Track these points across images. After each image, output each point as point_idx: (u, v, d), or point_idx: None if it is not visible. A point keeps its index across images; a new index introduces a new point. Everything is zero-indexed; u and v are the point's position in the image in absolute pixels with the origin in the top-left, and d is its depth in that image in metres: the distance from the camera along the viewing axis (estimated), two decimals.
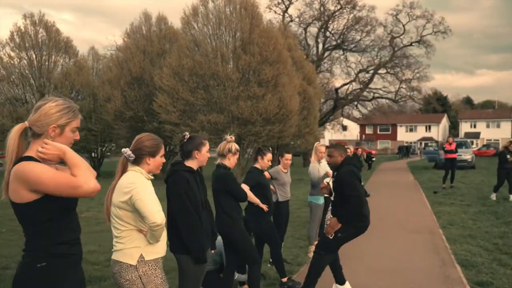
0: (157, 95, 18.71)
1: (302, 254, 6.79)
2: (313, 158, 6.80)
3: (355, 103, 38.95)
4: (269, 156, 5.42)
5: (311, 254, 6.56)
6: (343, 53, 38.52)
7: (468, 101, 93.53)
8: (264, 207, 5.17)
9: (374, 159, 28.38)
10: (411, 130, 70.47)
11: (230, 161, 4.58)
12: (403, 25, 36.99)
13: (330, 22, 37.13)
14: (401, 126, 71.03)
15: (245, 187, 5.16)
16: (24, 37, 23.50)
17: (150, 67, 21.58)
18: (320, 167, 6.83)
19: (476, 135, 62.55)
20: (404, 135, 69.85)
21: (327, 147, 5.07)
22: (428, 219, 9.44)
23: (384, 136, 71.19)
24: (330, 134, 64.18)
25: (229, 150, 4.54)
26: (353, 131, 69.33)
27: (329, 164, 4.84)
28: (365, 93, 38.42)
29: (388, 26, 37.48)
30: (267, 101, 18.07)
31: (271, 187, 6.10)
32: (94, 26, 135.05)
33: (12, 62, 23.69)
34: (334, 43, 37.90)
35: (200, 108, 18.07)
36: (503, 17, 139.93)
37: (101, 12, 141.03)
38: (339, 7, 36.31)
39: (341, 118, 44.49)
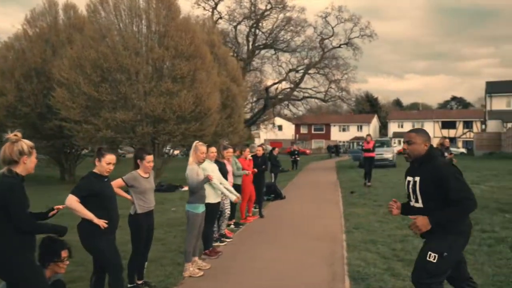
0: (55, 89, 16.68)
1: (176, 273, 5.64)
2: (191, 160, 5.69)
3: (286, 102, 38.67)
4: (108, 158, 4.23)
5: (186, 273, 5.49)
6: (275, 53, 38.17)
7: (397, 103, 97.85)
8: (101, 222, 3.97)
9: (298, 158, 27.81)
10: (344, 129, 72.18)
11: (26, 166, 3.35)
12: (332, 28, 37.40)
13: (260, 21, 36.57)
14: (334, 126, 72.62)
15: (71, 198, 3.95)
16: None
17: (53, 58, 19.39)
18: (200, 170, 5.74)
19: (403, 135, 65.11)
20: (337, 135, 71.40)
21: (409, 132, 3.59)
22: (336, 223, 8.68)
23: (318, 136, 72.34)
24: (264, 134, 64.24)
25: (21, 153, 3.30)
26: (287, 130, 69.79)
27: (407, 154, 3.55)
28: (295, 93, 38.28)
29: (318, 27, 37.77)
30: (182, 97, 16.74)
31: (128, 197, 4.96)
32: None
33: None
34: (264, 42, 37.41)
35: (105, 104, 16.33)
36: (429, 27, 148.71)
37: None
38: (269, 6, 35.90)
39: (274, 118, 44.16)
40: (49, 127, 19.63)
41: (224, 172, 7.13)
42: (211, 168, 6.27)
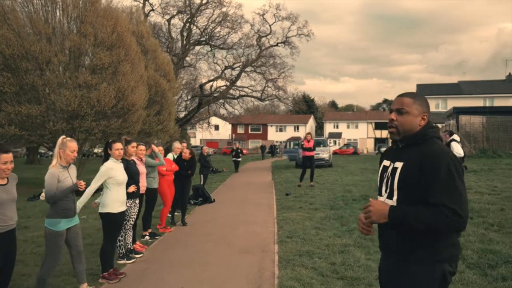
0: None
1: None
2: (54, 161, 4.29)
3: (222, 101, 37.46)
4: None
5: None
6: (211, 49, 36.84)
7: (333, 104, 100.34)
8: None
9: (240, 159, 24.08)
10: (280, 130, 72.29)
11: None
12: (270, 25, 36.74)
13: (196, 16, 35.07)
14: (271, 126, 72.56)
15: None
16: None
17: None
18: (65, 174, 4.33)
19: (339, 135, 66.58)
20: (274, 135, 71.35)
21: (401, 95, 2.32)
22: (267, 231, 7.61)
23: (255, 136, 71.92)
24: (200, 134, 62.62)
25: None
26: (224, 130, 68.65)
27: (394, 128, 2.28)
28: (232, 91, 37.20)
29: (255, 25, 37.14)
30: (102, 91, 14.96)
31: None
32: None
33: None
34: (200, 38, 35.95)
35: (7, 96, 14.15)
36: (363, 33, 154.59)
37: None
38: (205, 1, 34.50)
39: (210, 117, 42.74)
40: None
41: (132, 173, 5.81)
42: (116, 168, 5.12)
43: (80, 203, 4.76)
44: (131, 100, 16.00)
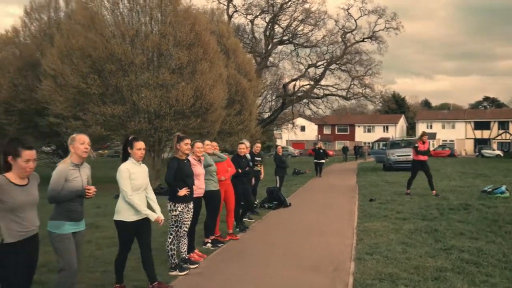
0: (43, 81, 15.19)
1: None
2: (67, 158, 3.85)
3: (305, 100, 36.46)
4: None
5: None
6: (294, 48, 36.04)
7: (426, 103, 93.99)
8: None
9: (323, 160, 20.50)
10: (369, 130, 69.27)
11: None
12: (355, 20, 35.03)
13: (279, 15, 34.53)
14: (359, 126, 69.87)
15: None
16: None
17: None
18: (74, 174, 3.82)
19: (433, 136, 61.74)
20: (362, 136, 68.53)
21: None
22: (344, 244, 6.58)
23: (342, 137, 69.68)
24: (286, 135, 62.07)
25: None
26: (310, 131, 67.38)
27: None
28: (316, 90, 36.06)
29: (340, 21, 35.52)
30: (180, 90, 14.93)
31: None
32: None
33: None
34: (282, 37, 35.34)
35: (94, 97, 14.67)
36: (458, 27, 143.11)
37: None
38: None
39: (295, 117, 41.83)
40: (44, 124, 18.22)
41: (184, 174, 5.19)
42: (135, 170, 4.42)
43: (146, 211, 4.36)
44: (209, 99, 15.79)
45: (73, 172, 3.73)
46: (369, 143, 62.00)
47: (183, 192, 5.08)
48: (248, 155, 8.98)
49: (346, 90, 35.59)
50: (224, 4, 34.40)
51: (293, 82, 35.88)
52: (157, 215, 4.41)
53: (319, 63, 35.64)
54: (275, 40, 35.46)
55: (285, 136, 67.22)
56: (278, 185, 11.93)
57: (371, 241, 6.59)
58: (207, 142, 6.75)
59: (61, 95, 14.66)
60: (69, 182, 3.67)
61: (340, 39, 35.24)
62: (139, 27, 15.77)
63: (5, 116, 18.86)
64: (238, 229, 7.77)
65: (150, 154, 16.58)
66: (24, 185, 3.21)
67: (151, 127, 15.39)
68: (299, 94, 35.48)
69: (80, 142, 3.77)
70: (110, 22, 15.67)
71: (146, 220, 4.45)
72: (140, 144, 4.43)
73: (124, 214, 4.34)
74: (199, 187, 5.81)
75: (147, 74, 15.11)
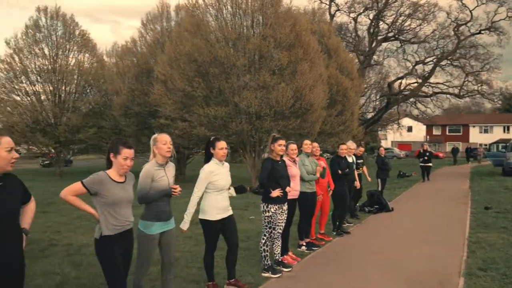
0: (154, 86, 16.43)
1: None
2: (151, 157, 3.95)
3: (412, 99, 34.35)
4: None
5: None
6: (401, 45, 34.16)
7: None
8: None
9: (430, 164, 18.72)
10: (485, 131, 62.93)
11: None
12: (470, 11, 32.00)
13: (383, 11, 33.03)
14: (474, 126, 63.82)
15: None
16: (39, 30, 22.61)
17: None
18: (160, 173, 3.91)
19: None
20: (477, 137, 62.46)
21: None
22: (452, 256, 5.98)
23: (454, 138, 64.13)
24: (392, 136, 59.19)
25: None
26: (418, 132, 63.42)
27: None
28: (424, 88, 33.75)
29: (452, 13, 32.77)
30: (280, 91, 15.02)
31: (92, 211, 3.44)
32: None
33: (27, 57, 23.00)
34: (387, 33, 33.72)
35: (198, 100, 15.42)
36: None
37: None
38: None
39: (401, 117, 39.65)
40: (157, 125, 19.71)
41: (278, 175, 5.13)
42: (218, 171, 4.45)
43: (188, 215, 4.32)
44: (309, 99, 15.64)
45: (158, 172, 3.82)
46: (485, 144, 56.28)
47: (276, 193, 5.03)
48: (353, 157, 8.71)
49: (459, 88, 32.80)
50: (326, 4, 33.98)
51: (399, 81, 34.09)
52: (187, 226, 4.33)
53: (428, 59, 33.38)
54: (379, 37, 34.01)
55: (390, 137, 64.16)
56: (379, 188, 11.36)
57: (486, 255, 5.89)
58: (306, 142, 6.64)
59: (169, 98, 15.70)
60: (155, 182, 3.77)
61: (452, 33, 32.57)
62: (241, 31, 16.22)
63: (124, 118, 20.80)
64: (334, 233, 7.53)
65: (251, 154, 16.96)
66: (122, 182, 3.40)
67: (252, 128, 15.72)
68: (406, 93, 33.56)
69: (162, 143, 3.84)
70: (214, 27, 16.32)
71: (231, 218, 4.50)
72: (222, 144, 4.46)
73: (209, 213, 4.42)
74: (294, 189, 5.72)
75: (248, 76, 15.45)
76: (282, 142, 5.26)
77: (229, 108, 15.50)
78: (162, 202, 3.81)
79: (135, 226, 3.57)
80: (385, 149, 14.70)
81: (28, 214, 2.89)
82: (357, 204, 9.89)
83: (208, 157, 4.51)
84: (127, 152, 3.36)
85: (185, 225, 4.31)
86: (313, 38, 17.53)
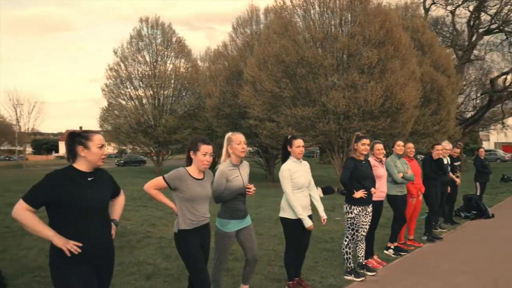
0: (243, 87, 16.98)
1: None
2: (223, 158, 4.07)
3: None
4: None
5: None
6: (506, 37, 31.15)
7: None
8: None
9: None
10: None
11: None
12: None
13: (485, 1, 30.37)
14: None
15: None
16: (141, 39, 24.58)
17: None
18: (234, 173, 4.03)
19: None
20: None
21: None
22: None
23: None
24: (495, 136, 54.19)
25: None
26: None
27: None
28: None
29: None
30: (369, 90, 14.62)
31: (171, 204, 3.62)
32: None
33: (131, 64, 25.17)
34: (490, 25, 30.93)
35: (286, 100, 15.58)
36: None
37: None
38: None
39: (506, 116, 36.14)
40: (246, 126, 20.33)
41: (361, 176, 5.04)
42: (296, 169, 4.46)
43: (301, 214, 4.38)
44: (399, 98, 15.01)
45: (233, 172, 3.93)
46: None
47: (359, 194, 4.95)
48: (447, 158, 8.25)
49: None
50: None
51: (504, 76, 31.09)
52: (310, 223, 4.43)
53: None
54: (480, 30, 31.34)
55: (493, 138, 58.87)
56: (478, 193, 10.53)
57: None
58: (399, 142, 6.42)
59: (258, 99, 16.10)
60: (230, 182, 3.88)
61: None
62: (328, 30, 16.09)
63: (216, 120, 21.76)
64: (425, 238, 7.18)
65: (339, 155, 16.74)
66: (200, 179, 3.56)
67: (339, 128, 15.52)
68: (511, 89, 30.55)
69: (237, 142, 3.91)
70: (302, 28, 16.40)
71: (310, 218, 4.53)
72: (299, 142, 4.47)
73: (288, 211, 4.46)
74: (380, 190, 5.57)
75: (336, 76, 15.28)
76: (366, 141, 5.15)
77: (317, 108, 15.46)
78: (238, 201, 3.94)
79: (212, 221, 3.74)
80: (486, 150, 13.65)
81: (118, 206, 3.13)
82: (453, 209, 9.29)
83: (285, 156, 4.56)
84: (206, 148, 3.50)
85: (308, 222, 4.39)
86: (405, 34, 16.78)
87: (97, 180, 2.77)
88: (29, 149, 75.81)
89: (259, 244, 6.61)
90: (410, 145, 6.75)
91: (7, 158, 69.38)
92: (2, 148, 72.21)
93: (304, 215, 4.39)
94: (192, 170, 3.54)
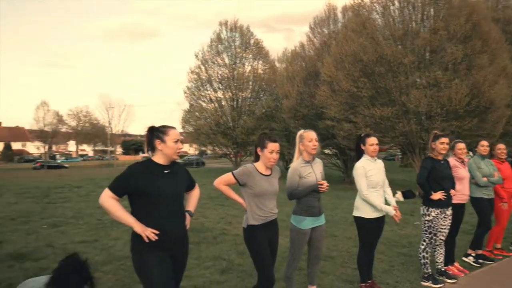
0: (320, 88, 16.86)
1: None
2: (296, 155, 4.12)
3: None
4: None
5: None
6: None
7: None
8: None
9: None
10: None
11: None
12: None
13: None
14: None
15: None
16: (220, 42, 25.47)
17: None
18: (307, 170, 4.03)
19: None
20: None
21: None
22: None
23: None
24: None
25: None
26: None
27: None
28: None
29: None
30: (453, 88, 13.77)
31: (240, 200, 3.73)
32: None
33: (211, 66, 26.19)
34: None
35: (363, 100, 15.18)
36: None
37: None
38: None
39: None
40: (322, 127, 20.18)
41: (439, 176, 4.80)
42: (370, 167, 4.36)
43: (384, 208, 4.28)
44: (488, 96, 13.97)
45: (305, 168, 3.95)
46: None
47: (437, 195, 4.73)
48: None
49: None
50: None
51: None
52: (394, 211, 4.27)
53: None
54: None
55: None
56: None
57: None
58: (483, 142, 6.03)
59: (334, 100, 15.91)
60: (303, 178, 3.91)
61: None
62: (409, 27, 15.43)
63: (293, 121, 21.83)
64: None
65: (420, 157, 15.97)
66: (268, 175, 3.64)
67: (421, 129, 14.82)
68: None
69: (308, 140, 3.95)
70: (380, 25, 15.92)
71: (382, 220, 4.40)
72: (372, 140, 4.38)
73: (363, 210, 4.38)
74: (462, 192, 5.27)
75: (417, 74, 14.62)
76: (445, 140, 4.89)
77: (396, 108, 14.90)
78: (312, 198, 3.95)
79: (281, 217, 3.78)
80: None
81: (193, 199, 3.31)
82: None
83: (359, 154, 4.51)
84: (273, 146, 3.58)
85: (391, 211, 4.27)
86: (495, 27, 15.56)
87: (173, 172, 2.96)
88: (119, 150, 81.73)
89: (333, 245, 6.61)
90: (501, 146, 6.28)
91: (100, 158, 75.33)
92: (96, 148, 78.94)
93: (384, 206, 4.30)
94: (260, 166, 3.62)
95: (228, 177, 3.65)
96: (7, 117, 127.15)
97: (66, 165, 48.82)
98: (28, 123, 74.18)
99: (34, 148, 66.45)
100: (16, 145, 72.37)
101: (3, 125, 78.64)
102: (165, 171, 2.91)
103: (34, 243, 6.60)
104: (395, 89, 14.78)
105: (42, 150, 61.01)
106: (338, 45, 16.54)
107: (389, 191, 4.58)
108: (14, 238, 7.00)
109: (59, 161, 58.54)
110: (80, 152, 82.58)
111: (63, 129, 62.06)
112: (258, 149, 3.63)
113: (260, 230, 3.56)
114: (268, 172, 3.65)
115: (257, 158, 3.68)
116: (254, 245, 3.56)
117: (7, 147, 67.00)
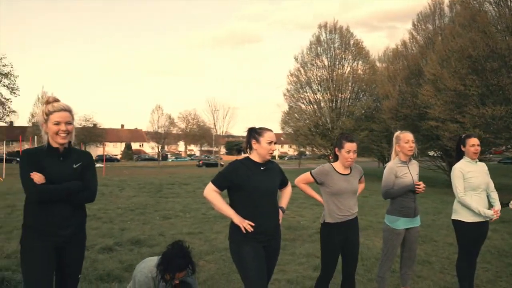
0: (423, 87, 16.05)
1: None
2: (393, 156, 4.17)
3: None
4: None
5: None
6: None
7: None
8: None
9: None
10: None
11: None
12: None
13: None
14: None
15: None
16: (319, 44, 25.55)
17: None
18: (403, 170, 4.04)
19: None
20: None
21: None
22: None
23: None
24: None
25: None
26: None
27: None
28: None
29: None
30: None
31: (319, 198, 3.88)
32: None
33: (311, 69, 26.41)
34: None
35: (472, 99, 14.09)
36: None
37: None
38: None
39: None
40: (425, 128, 19.20)
41: None
42: (470, 169, 4.11)
43: (481, 210, 4.05)
44: None
45: (402, 169, 3.95)
46: None
47: None
48: None
49: None
50: None
51: None
52: (491, 212, 4.00)
53: None
54: None
55: None
56: None
57: None
58: None
59: (439, 99, 15.08)
60: (399, 178, 3.92)
61: None
62: None
63: (394, 121, 21.08)
64: None
65: None
66: (346, 174, 3.68)
67: None
68: None
69: (405, 141, 3.95)
70: (494, 16, 14.70)
71: (485, 226, 4.17)
72: (473, 141, 4.13)
73: (461, 214, 4.17)
74: None
75: None
76: None
77: (511, 107, 13.64)
78: (407, 198, 3.94)
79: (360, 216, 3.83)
80: None
81: (285, 195, 3.55)
82: None
83: (459, 156, 4.32)
84: (350, 146, 3.61)
85: (488, 212, 4.05)
86: None
87: (268, 170, 3.25)
88: (223, 150, 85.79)
89: (432, 251, 6.41)
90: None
91: (206, 158, 79.99)
92: (202, 148, 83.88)
93: (482, 209, 4.05)
94: (338, 165, 3.70)
95: (306, 176, 3.80)
96: (128, 120, 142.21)
97: (222, 163, 51.58)
98: (145, 125, 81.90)
99: (149, 148, 72.89)
100: (135, 145, 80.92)
101: (125, 127, 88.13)
102: (262, 168, 3.21)
103: (149, 232, 7.46)
104: (510, 86, 13.54)
105: (156, 150, 66.55)
106: (443, 41, 15.62)
107: (495, 195, 4.32)
108: (133, 227, 7.97)
109: (186, 159, 63.89)
110: (188, 152, 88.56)
111: (174, 130, 67.12)
112: (336, 149, 3.72)
113: (335, 229, 3.61)
114: (346, 172, 3.70)
115: (336, 158, 3.77)
116: (326, 243, 3.64)
117: (128, 147, 74.90)
